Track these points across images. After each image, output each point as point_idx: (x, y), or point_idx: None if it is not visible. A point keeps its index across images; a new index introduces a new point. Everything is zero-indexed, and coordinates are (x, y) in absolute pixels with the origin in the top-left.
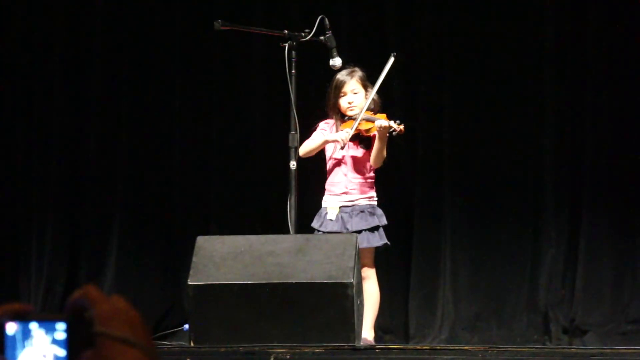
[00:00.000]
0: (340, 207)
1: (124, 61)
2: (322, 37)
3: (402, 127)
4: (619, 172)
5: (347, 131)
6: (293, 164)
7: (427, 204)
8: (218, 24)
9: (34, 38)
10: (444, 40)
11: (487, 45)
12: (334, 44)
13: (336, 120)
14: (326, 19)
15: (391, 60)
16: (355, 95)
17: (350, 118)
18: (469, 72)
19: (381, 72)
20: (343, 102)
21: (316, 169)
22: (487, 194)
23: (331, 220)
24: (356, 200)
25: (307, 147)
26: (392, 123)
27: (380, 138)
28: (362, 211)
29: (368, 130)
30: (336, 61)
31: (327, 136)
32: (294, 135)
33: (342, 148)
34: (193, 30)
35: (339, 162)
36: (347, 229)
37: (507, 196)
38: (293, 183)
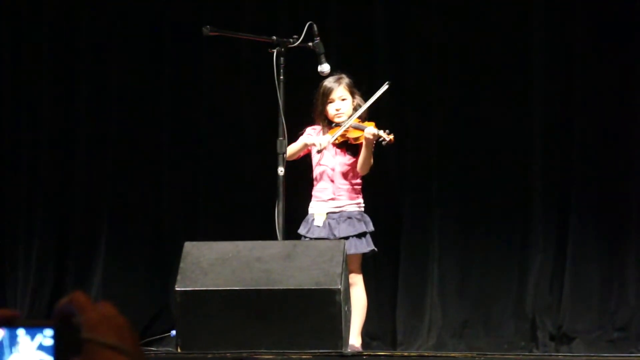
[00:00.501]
0: (327, 213)
1: (113, 67)
2: (310, 43)
3: (391, 136)
4: (607, 179)
5: (328, 137)
6: (281, 170)
7: (414, 210)
8: (207, 30)
9: (21, 43)
10: (432, 47)
11: (475, 53)
12: (322, 50)
13: (323, 126)
14: (314, 25)
15: (384, 87)
16: (343, 102)
17: (338, 125)
18: (457, 79)
19: (372, 96)
20: (330, 109)
21: (304, 176)
22: (475, 200)
23: (318, 226)
24: (343, 206)
25: (289, 150)
26: (381, 132)
27: (366, 146)
28: (349, 217)
29: (357, 139)
30: (324, 67)
31: (306, 139)
32: (282, 141)
33: (318, 152)
34: (181, 35)
35: (326, 169)
36: (335, 235)
37: (494, 203)
38: (281, 189)
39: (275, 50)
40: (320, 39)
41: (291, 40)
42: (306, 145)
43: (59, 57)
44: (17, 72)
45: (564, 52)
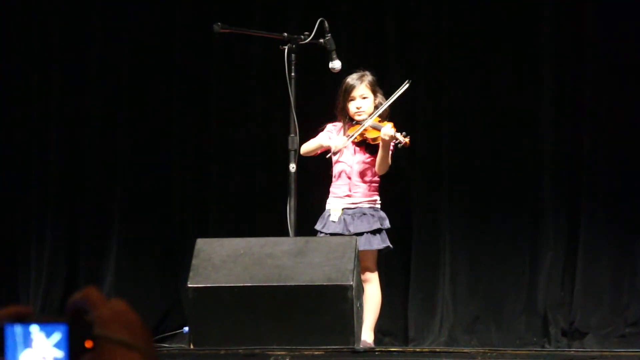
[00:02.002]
0: (342, 209)
1: (123, 63)
2: (321, 40)
3: (407, 139)
4: (618, 175)
5: (345, 140)
6: (292, 167)
7: (426, 206)
8: (217, 27)
9: (32, 40)
10: (443, 45)
11: (485, 50)
12: (333, 46)
13: (344, 123)
14: (325, 22)
15: (405, 86)
16: (364, 100)
17: (358, 123)
18: (468, 75)
19: (393, 94)
20: (351, 107)
21: (319, 173)
22: (486, 196)
23: (333, 222)
24: (359, 203)
25: (306, 148)
26: (398, 134)
27: (383, 146)
28: (364, 214)
29: (374, 139)
30: (335, 64)
31: (322, 140)
32: (294, 138)
33: (334, 154)
34: (192, 32)
35: (344, 166)
36: (349, 231)
37: (505, 198)
38: (292, 186)
39: (286, 47)
40: (332, 35)
41: (302, 36)
42: (321, 145)
43: (68, 59)
44: (28, 70)
45: (575, 47)
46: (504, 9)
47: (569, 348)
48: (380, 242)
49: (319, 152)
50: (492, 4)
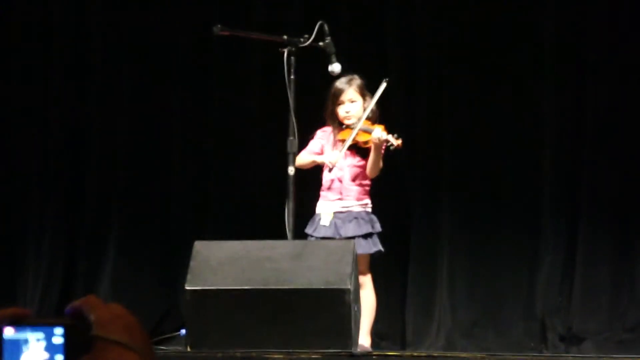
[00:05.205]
0: (334, 213)
1: (123, 66)
2: (321, 43)
3: (399, 141)
4: (617, 180)
5: (337, 153)
6: (291, 170)
7: (424, 210)
8: (217, 29)
9: (33, 42)
10: (443, 47)
11: (486, 52)
12: (333, 49)
13: (334, 128)
14: (325, 25)
15: (383, 85)
16: (353, 103)
17: (348, 127)
18: (468, 77)
19: (374, 96)
20: (341, 111)
21: (314, 175)
22: (485, 200)
23: (324, 225)
24: (350, 206)
25: (300, 161)
26: (389, 137)
27: (375, 149)
28: (355, 217)
29: (366, 142)
30: (335, 67)
31: (316, 158)
32: (293, 140)
33: (330, 170)
34: (192, 35)
35: (335, 170)
36: (340, 235)
37: (504, 203)
38: (291, 189)
39: (286, 50)
40: (331, 38)
41: (302, 39)
42: (315, 162)
43: (69, 62)
44: (28, 71)
45: (576, 51)
46: (506, 15)
47: (567, 353)
48: (372, 246)
49: (311, 166)
50: (493, 8)
